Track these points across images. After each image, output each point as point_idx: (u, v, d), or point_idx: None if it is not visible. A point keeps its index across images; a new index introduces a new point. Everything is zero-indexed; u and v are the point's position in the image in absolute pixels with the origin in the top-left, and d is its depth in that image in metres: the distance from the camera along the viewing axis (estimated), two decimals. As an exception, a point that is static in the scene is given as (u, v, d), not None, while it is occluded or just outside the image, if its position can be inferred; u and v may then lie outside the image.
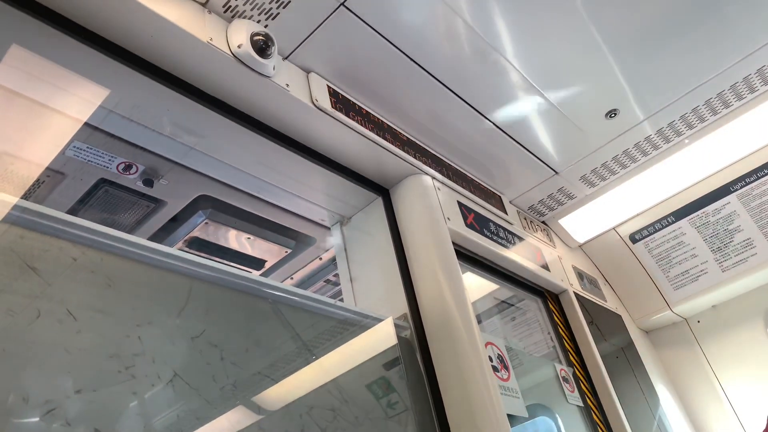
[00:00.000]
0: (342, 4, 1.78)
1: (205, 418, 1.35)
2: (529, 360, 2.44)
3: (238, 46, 1.67)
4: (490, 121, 2.38)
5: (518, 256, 2.58)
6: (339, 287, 2.63)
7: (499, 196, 2.78)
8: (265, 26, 1.79)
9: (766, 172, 2.90)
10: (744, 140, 2.83)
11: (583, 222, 3.16)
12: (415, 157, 2.26)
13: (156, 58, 1.63)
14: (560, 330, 2.69)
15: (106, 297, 1.27)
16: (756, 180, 2.92)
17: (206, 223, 2.45)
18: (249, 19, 1.76)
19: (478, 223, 2.43)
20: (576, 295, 2.85)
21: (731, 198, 2.98)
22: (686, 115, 2.64)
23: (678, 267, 3.13)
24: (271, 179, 2.15)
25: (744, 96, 2.60)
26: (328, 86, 2.00)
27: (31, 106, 1.69)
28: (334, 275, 3.00)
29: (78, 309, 1.19)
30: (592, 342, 2.66)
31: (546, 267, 2.76)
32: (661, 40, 2.23)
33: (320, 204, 2.34)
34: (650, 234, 3.18)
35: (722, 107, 2.64)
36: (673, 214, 3.12)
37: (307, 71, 1.97)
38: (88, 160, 2.03)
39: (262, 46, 1.70)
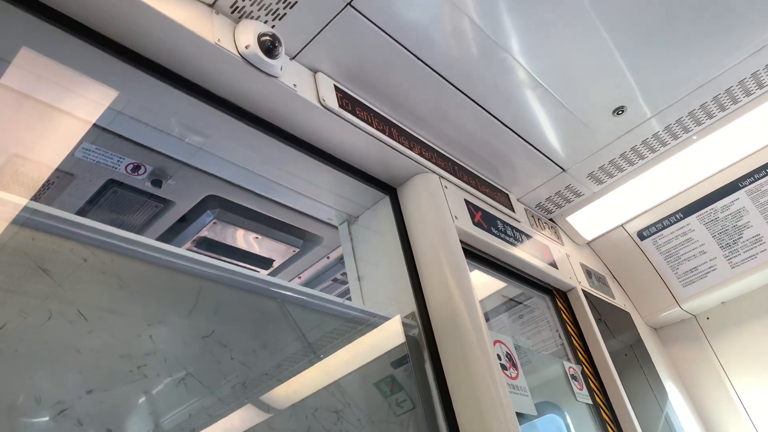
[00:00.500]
0: (349, 3, 1.78)
1: (217, 416, 1.35)
2: (538, 358, 2.44)
3: (246, 47, 1.68)
4: (497, 119, 2.37)
5: (526, 253, 2.57)
6: (347, 286, 2.63)
7: (507, 194, 2.78)
8: (272, 26, 1.79)
9: (775, 168, 2.89)
10: (752, 136, 2.81)
11: (591, 219, 3.15)
12: (422, 156, 2.26)
13: (164, 60, 1.63)
14: (568, 327, 2.69)
15: (117, 297, 1.28)
16: (765, 176, 2.90)
17: (214, 222, 2.46)
18: (256, 19, 1.77)
19: (485, 221, 2.43)
20: (584, 292, 2.84)
21: (740, 194, 2.96)
22: (694, 112, 2.62)
23: (686, 264, 3.11)
24: (278, 179, 2.16)
25: (752, 92, 2.58)
26: (336, 86, 2.00)
27: (40, 107, 1.70)
28: (342, 274, 3.01)
29: (89, 309, 1.20)
30: (600, 339, 2.65)
31: (554, 264, 2.75)
32: (669, 37, 2.22)
33: (328, 203, 2.34)
34: (658, 231, 3.17)
35: (730, 103, 2.62)
36: (681, 210, 3.11)
37: (315, 71, 1.98)
38: (97, 161, 2.04)
39: (270, 46, 1.71)
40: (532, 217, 2.95)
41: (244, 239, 2.65)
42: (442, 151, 2.45)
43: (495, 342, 2.02)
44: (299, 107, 1.88)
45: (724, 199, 3.00)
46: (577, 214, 3.11)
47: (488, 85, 2.22)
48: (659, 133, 2.71)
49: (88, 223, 1.27)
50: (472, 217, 2.37)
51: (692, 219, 3.08)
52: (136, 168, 2.12)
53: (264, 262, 2.82)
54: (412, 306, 2.03)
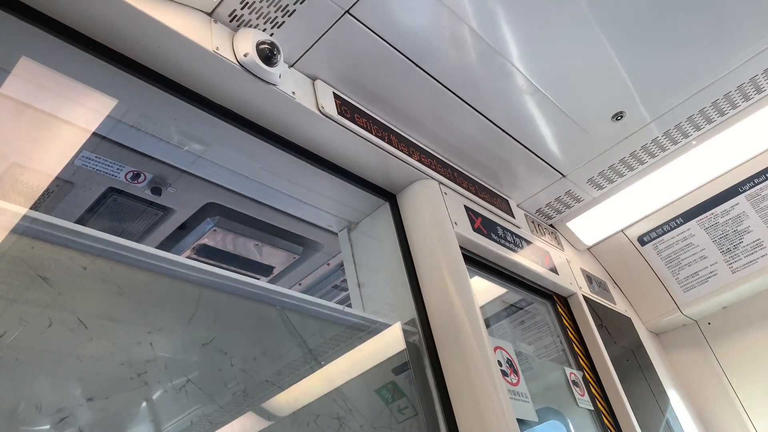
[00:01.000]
0: (347, 11, 1.79)
1: (218, 423, 1.35)
2: (539, 364, 2.44)
3: (244, 55, 1.68)
4: (496, 125, 2.38)
5: (526, 259, 2.57)
6: (347, 293, 2.63)
7: (507, 200, 2.78)
8: (271, 35, 1.80)
9: (774, 172, 2.89)
10: (752, 141, 2.82)
11: (591, 225, 3.15)
12: (421, 162, 2.26)
13: (163, 68, 1.64)
14: (569, 333, 2.68)
15: (117, 305, 1.28)
16: (765, 180, 2.90)
17: (214, 230, 2.46)
18: (255, 27, 1.77)
19: (485, 227, 2.43)
20: (585, 298, 2.84)
21: (740, 199, 2.96)
22: (693, 117, 2.63)
23: (687, 269, 3.11)
24: (278, 186, 2.16)
25: (751, 97, 2.59)
26: (334, 93, 2.01)
27: (40, 116, 1.71)
28: (342, 281, 3.01)
29: (89, 317, 1.20)
30: (601, 345, 2.65)
31: (554, 270, 2.75)
32: (667, 42, 2.23)
33: (327, 210, 2.34)
34: (659, 236, 3.17)
35: (729, 108, 2.63)
36: (681, 215, 3.11)
37: (313, 78, 1.99)
38: (97, 170, 2.04)
39: (268, 54, 1.71)
40: (532, 222, 2.95)
41: (244, 246, 2.65)
42: (442, 157, 2.45)
43: (495, 348, 2.01)
44: (298, 114, 1.89)
45: (724, 204, 3.00)
46: (577, 219, 3.11)
47: (487, 91, 2.22)
48: (659, 138, 2.71)
49: (87, 231, 1.27)
50: (472, 223, 2.37)
51: (692, 224, 3.08)
52: (136, 176, 2.12)
53: (264, 270, 2.82)
54: (412, 312, 2.03)
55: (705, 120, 2.66)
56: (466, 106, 2.25)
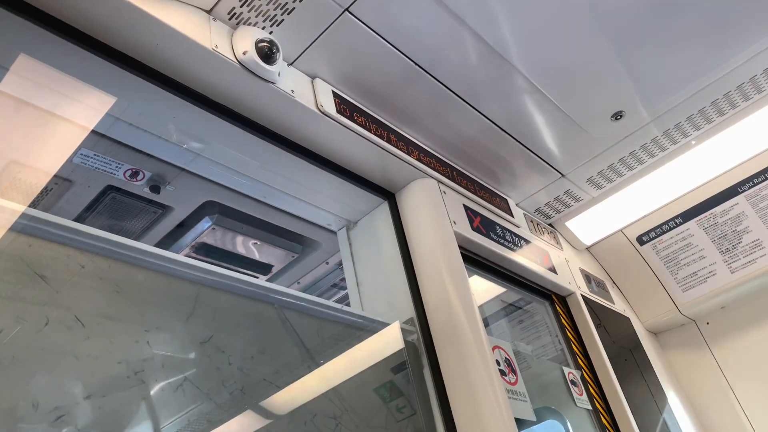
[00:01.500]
0: (346, 9, 1.79)
1: (216, 422, 1.35)
2: (537, 363, 2.44)
3: (243, 53, 1.68)
4: (495, 124, 2.37)
5: (525, 259, 2.57)
6: (346, 291, 2.63)
7: (506, 199, 2.78)
8: (270, 33, 1.80)
9: (774, 172, 2.89)
10: (751, 141, 2.81)
11: (590, 224, 3.15)
12: (420, 161, 2.26)
13: (162, 66, 1.64)
14: (568, 333, 2.68)
15: (115, 303, 1.28)
16: (764, 181, 2.90)
17: (213, 228, 2.46)
18: (254, 25, 1.77)
19: (484, 226, 2.43)
20: (583, 297, 2.84)
21: (739, 199, 2.96)
22: (693, 116, 2.63)
23: (686, 269, 3.11)
24: (277, 184, 2.16)
25: (751, 96, 2.59)
26: (333, 91, 2.01)
27: (38, 114, 1.70)
28: (341, 279, 3.01)
29: (86, 315, 1.20)
30: (600, 344, 2.65)
31: (553, 270, 2.75)
32: (667, 42, 2.23)
33: (326, 208, 2.34)
34: (658, 236, 3.17)
35: (729, 108, 2.63)
36: (680, 215, 3.11)
37: (312, 77, 1.98)
38: (96, 167, 2.04)
39: (267, 52, 1.71)
40: (531, 222, 2.95)
41: (243, 245, 2.64)
42: (441, 156, 2.45)
43: (494, 348, 2.01)
44: (297, 113, 1.88)
45: (724, 204, 3.00)
46: (576, 219, 3.11)
47: (486, 90, 2.22)
48: (658, 138, 2.71)
49: (85, 229, 1.27)
50: (471, 222, 2.36)
51: (692, 224, 3.08)
52: (135, 174, 2.12)
53: (263, 268, 2.82)
54: (410, 311, 2.02)
55: (704, 120, 2.66)
56: (466, 104, 2.25)
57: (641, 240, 3.21)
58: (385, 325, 1.95)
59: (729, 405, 3.02)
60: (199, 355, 1.39)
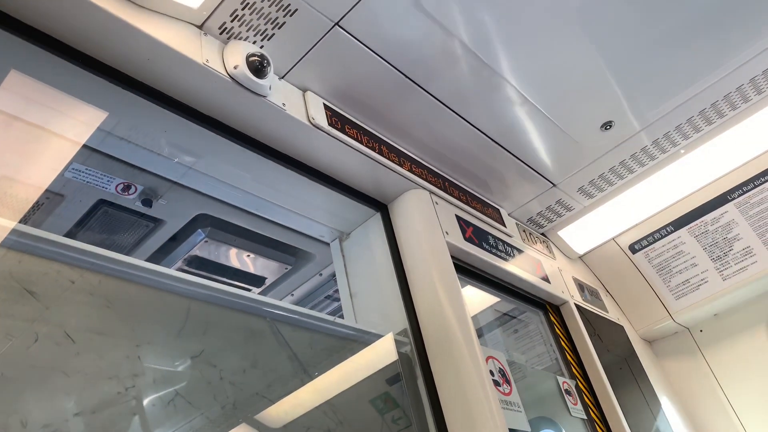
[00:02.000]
0: (336, 24, 1.80)
1: (206, 438, 1.34)
2: (532, 373, 2.44)
3: (234, 67, 1.69)
4: (486, 135, 2.39)
5: (518, 268, 2.58)
6: (339, 303, 2.63)
7: (498, 209, 2.79)
8: (261, 47, 1.81)
9: (762, 180, 2.91)
10: (740, 149, 2.84)
11: (583, 233, 3.16)
12: (412, 172, 2.27)
13: (153, 81, 1.64)
14: (562, 342, 2.68)
15: (105, 319, 1.27)
16: (753, 188, 2.92)
17: (206, 241, 2.46)
18: (245, 40, 1.78)
19: (476, 236, 2.44)
20: (577, 306, 2.84)
21: (729, 207, 2.98)
22: (681, 126, 2.65)
23: (678, 276, 3.12)
24: (269, 197, 2.16)
25: (738, 105, 2.61)
26: (325, 104, 2.02)
27: (29, 129, 1.70)
28: (334, 291, 3.00)
29: (76, 331, 1.19)
30: (594, 353, 2.65)
31: (546, 279, 2.76)
32: (655, 52, 2.25)
33: (319, 220, 2.34)
34: (650, 244, 3.18)
35: (717, 117, 2.65)
36: (671, 223, 3.12)
37: (304, 90, 1.99)
38: (87, 182, 2.04)
39: (258, 66, 1.72)
40: (524, 231, 2.96)
41: (236, 257, 2.64)
42: (433, 167, 2.46)
43: (488, 358, 2.01)
44: (289, 126, 1.89)
45: (714, 212, 3.02)
46: (568, 228, 3.12)
47: (477, 102, 2.23)
48: (648, 147, 2.73)
49: (75, 244, 1.27)
50: (464, 232, 2.37)
51: (683, 232, 3.10)
52: (127, 188, 2.12)
53: (256, 280, 2.81)
54: (404, 322, 2.02)
55: (693, 129, 2.68)
56: (456, 116, 2.26)
57: (633, 248, 3.23)
58: (378, 336, 1.95)
59: (723, 412, 3.03)
60: (190, 370, 1.38)
